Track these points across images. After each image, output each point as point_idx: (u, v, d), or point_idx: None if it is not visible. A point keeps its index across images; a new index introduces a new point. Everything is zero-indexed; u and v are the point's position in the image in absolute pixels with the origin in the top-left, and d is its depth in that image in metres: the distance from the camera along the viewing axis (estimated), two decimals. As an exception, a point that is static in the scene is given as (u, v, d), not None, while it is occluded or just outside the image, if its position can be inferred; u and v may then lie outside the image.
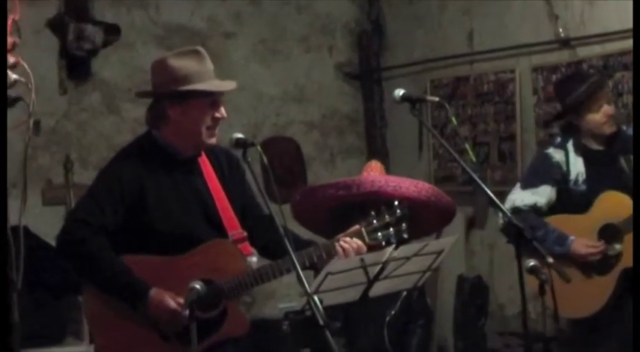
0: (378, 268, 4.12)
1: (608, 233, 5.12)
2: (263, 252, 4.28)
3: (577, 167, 5.27)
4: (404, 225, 4.22)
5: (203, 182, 4.22)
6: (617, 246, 5.08)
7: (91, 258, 4.00)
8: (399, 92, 4.17)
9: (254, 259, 4.17)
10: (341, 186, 4.93)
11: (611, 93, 5.86)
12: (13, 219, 3.58)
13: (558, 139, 5.44)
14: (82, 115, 7.52)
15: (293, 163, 8.25)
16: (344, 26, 8.55)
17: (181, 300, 3.92)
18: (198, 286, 3.72)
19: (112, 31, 7.46)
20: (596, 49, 6.52)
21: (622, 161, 5.20)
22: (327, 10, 8.46)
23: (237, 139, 3.91)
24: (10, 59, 3.50)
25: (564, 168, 5.28)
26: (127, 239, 4.07)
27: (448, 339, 7.50)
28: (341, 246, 4.15)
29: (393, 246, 4.13)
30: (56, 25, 7.31)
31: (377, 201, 4.45)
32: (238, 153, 3.98)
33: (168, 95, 4.12)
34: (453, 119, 7.27)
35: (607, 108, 5.20)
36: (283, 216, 3.79)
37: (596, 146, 5.30)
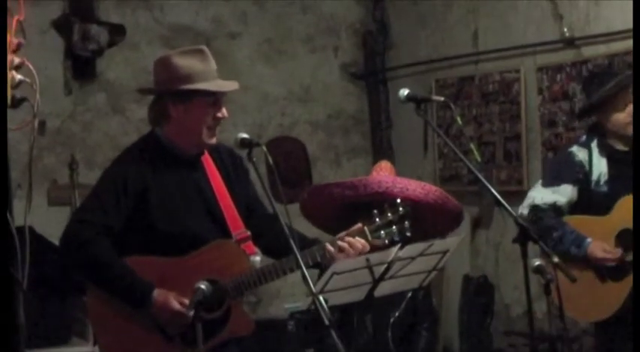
0: (383, 268, 4.12)
1: (627, 238, 5.00)
2: (267, 251, 4.28)
3: (600, 167, 5.17)
4: (407, 223, 4.21)
5: (207, 181, 4.22)
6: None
7: (94, 259, 4.01)
8: (404, 92, 4.16)
9: (257, 258, 4.17)
10: (348, 186, 4.93)
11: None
12: (18, 219, 3.58)
13: (583, 138, 5.33)
14: (87, 116, 7.53)
15: (298, 163, 8.25)
16: (349, 26, 8.55)
17: (185, 300, 3.93)
18: (203, 286, 3.73)
19: (117, 32, 7.47)
20: (601, 49, 6.52)
21: None
22: (332, 11, 8.46)
23: (243, 139, 3.91)
24: (15, 60, 3.50)
25: (587, 167, 5.19)
26: (131, 239, 4.07)
27: (454, 339, 7.50)
28: (340, 246, 4.14)
29: (399, 245, 4.13)
30: (61, 26, 7.32)
31: (384, 202, 4.45)
32: (243, 153, 3.98)
33: (171, 93, 4.12)
34: (458, 119, 7.27)
35: (631, 109, 5.07)
36: (288, 215, 3.78)
37: (621, 147, 5.19)
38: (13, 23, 3.48)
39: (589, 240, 5.03)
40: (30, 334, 3.66)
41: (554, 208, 5.19)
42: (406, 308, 5.14)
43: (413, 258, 4.18)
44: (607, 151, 5.18)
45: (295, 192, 6.99)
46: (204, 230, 4.14)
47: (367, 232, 4.19)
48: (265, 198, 3.99)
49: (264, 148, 3.86)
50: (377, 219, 4.21)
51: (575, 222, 5.14)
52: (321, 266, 4.21)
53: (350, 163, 8.52)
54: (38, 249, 3.84)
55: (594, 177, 5.17)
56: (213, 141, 4.19)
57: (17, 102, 3.52)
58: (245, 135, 3.92)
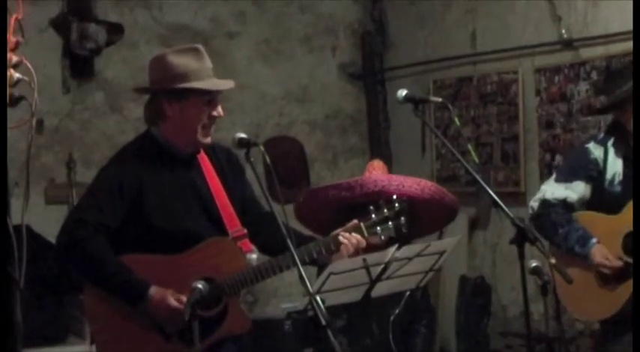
0: (380, 268, 4.13)
1: (632, 240, 4.89)
2: (263, 249, 4.29)
3: (615, 167, 5.04)
4: (402, 218, 4.21)
5: (203, 179, 4.23)
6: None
7: (90, 257, 4.01)
8: (402, 92, 4.15)
9: (254, 256, 4.17)
10: (344, 187, 4.94)
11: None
12: (15, 217, 3.58)
13: (601, 135, 5.20)
14: (85, 114, 7.53)
15: (296, 163, 8.25)
16: (347, 26, 8.55)
17: (183, 297, 3.93)
18: (200, 286, 3.73)
19: (115, 31, 7.47)
20: (599, 51, 6.52)
21: None
22: (330, 11, 8.46)
23: (240, 139, 3.92)
24: (14, 58, 3.50)
25: (601, 165, 5.06)
26: (127, 237, 4.08)
27: (450, 340, 7.50)
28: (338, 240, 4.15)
29: (396, 246, 4.14)
30: (59, 25, 7.32)
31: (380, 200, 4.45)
32: (241, 153, 3.98)
33: (166, 92, 4.13)
34: (456, 120, 7.26)
35: None
36: (286, 215, 3.79)
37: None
38: (11, 22, 3.48)
39: (594, 240, 4.96)
40: (27, 333, 3.65)
41: (565, 204, 5.09)
42: (405, 306, 5.14)
43: (410, 259, 4.18)
44: (624, 151, 5.06)
45: (293, 192, 7.01)
46: (201, 228, 4.14)
47: (363, 228, 4.19)
48: (262, 197, 4.00)
49: (262, 148, 3.87)
50: (373, 215, 4.21)
51: (586, 217, 5.07)
52: (317, 263, 4.22)
53: (347, 163, 8.52)
54: (35, 247, 3.85)
55: (608, 176, 5.05)
56: (208, 140, 4.19)
57: (15, 101, 3.52)
58: (243, 135, 3.93)
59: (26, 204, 3.54)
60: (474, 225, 7.60)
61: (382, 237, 4.25)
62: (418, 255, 4.19)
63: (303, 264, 3.96)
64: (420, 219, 4.79)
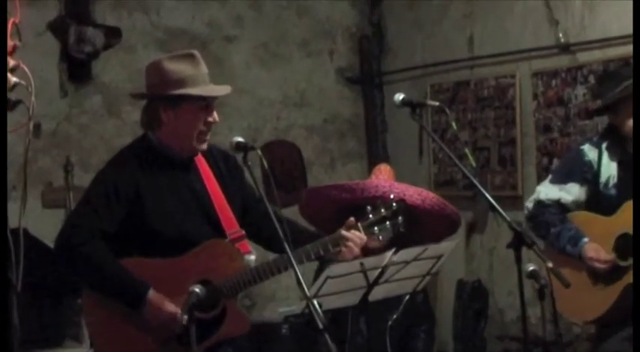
0: (377, 272, 4.13)
1: (625, 242, 4.92)
2: (269, 246, 4.29)
3: (609, 170, 5.05)
4: (400, 218, 4.22)
5: (200, 182, 4.23)
6: (630, 259, 4.86)
7: (88, 260, 4.01)
8: (400, 97, 4.16)
9: (252, 257, 4.17)
10: (345, 189, 4.95)
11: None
12: (13, 221, 3.58)
13: (596, 137, 5.22)
14: (82, 118, 7.52)
15: (293, 167, 8.26)
16: (345, 30, 8.55)
17: (180, 301, 3.92)
18: (197, 290, 3.73)
19: (113, 34, 7.47)
20: (597, 55, 6.52)
21: None
22: (327, 15, 8.47)
23: (238, 143, 3.92)
24: (11, 62, 3.50)
25: (595, 167, 5.08)
26: (125, 241, 4.08)
27: (448, 344, 7.51)
28: (346, 236, 4.15)
29: (393, 250, 4.14)
30: (57, 28, 7.32)
31: (379, 203, 4.45)
32: (239, 156, 3.98)
33: (161, 98, 4.13)
34: (454, 124, 7.27)
35: None
36: (283, 222, 3.79)
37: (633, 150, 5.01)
38: (9, 25, 3.48)
39: (585, 239, 4.98)
40: (24, 336, 3.66)
41: (559, 205, 5.12)
42: (404, 310, 5.14)
43: (407, 263, 4.18)
44: (618, 154, 5.07)
45: (290, 196, 7.01)
46: (199, 230, 4.14)
47: (360, 228, 4.19)
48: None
49: (259, 152, 3.87)
50: (370, 215, 4.22)
51: (581, 218, 5.08)
52: (323, 257, 4.21)
53: (345, 168, 8.52)
54: (32, 251, 3.84)
55: (603, 179, 5.06)
56: (204, 146, 4.19)
57: (13, 105, 3.52)
58: (240, 139, 3.93)
59: (23, 207, 3.54)
60: (471, 228, 7.60)
61: (380, 238, 4.26)
62: (415, 258, 4.19)
63: (301, 263, 3.98)
64: (420, 230, 4.79)
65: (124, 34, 7.54)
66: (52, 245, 4.12)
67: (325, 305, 3.72)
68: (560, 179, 5.16)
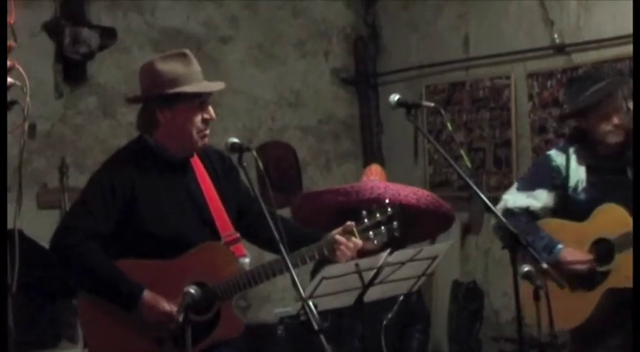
0: (372, 273, 4.13)
1: (601, 248, 4.92)
2: (266, 246, 4.28)
3: (578, 174, 5.04)
4: (395, 223, 4.21)
5: (196, 184, 4.22)
6: (609, 264, 4.87)
7: (82, 262, 4.00)
8: (395, 97, 4.15)
9: (247, 260, 4.17)
10: (340, 192, 4.95)
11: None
12: (8, 222, 3.58)
13: (562, 142, 5.24)
14: (77, 119, 7.52)
15: (289, 168, 8.25)
16: (340, 31, 8.55)
17: (175, 302, 3.92)
18: (192, 290, 3.73)
19: (108, 35, 7.46)
20: (592, 55, 6.53)
21: (629, 173, 4.93)
22: (323, 15, 8.47)
23: (233, 144, 3.92)
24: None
25: (564, 173, 5.05)
26: (120, 243, 4.07)
27: (443, 344, 7.51)
28: (339, 240, 4.15)
29: (388, 251, 4.14)
30: (52, 29, 7.31)
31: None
32: (234, 157, 3.98)
33: (157, 99, 4.13)
34: (449, 125, 7.27)
35: (614, 117, 4.90)
36: (278, 222, 3.78)
37: (604, 153, 5.01)
38: (4, 26, 3.48)
39: (560, 246, 4.94)
40: (19, 338, 3.66)
41: (528, 213, 5.07)
42: (399, 311, 5.15)
43: (402, 264, 4.19)
44: (586, 159, 5.05)
45: (286, 197, 7.01)
46: (194, 232, 4.14)
47: (356, 233, 4.19)
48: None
49: (255, 153, 3.87)
50: (365, 220, 4.22)
51: (553, 225, 5.05)
52: (325, 257, 4.21)
53: (340, 168, 8.52)
54: (27, 252, 3.84)
55: (572, 183, 5.04)
56: (205, 141, 4.18)
57: (8, 105, 3.52)
58: (235, 140, 3.93)
59: (18, 208, 3.55)
60: (466, 230, 7.61)
61: (375, 242, 4.26)
62: (411, 259, 4.19)
63: (298, 266, 3.98)
64: (415, 229, 4.79)
65: (119, 35, 7.53)
66: (47, 246, 4.11)
67: (321, 306, 3.72)
68: (528, 186, 5.11)
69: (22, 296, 3.87)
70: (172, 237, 4.09)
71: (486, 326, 7.30)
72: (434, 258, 4.29)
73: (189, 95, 4.11)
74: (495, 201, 4.18)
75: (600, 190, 4.99)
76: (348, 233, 4.19)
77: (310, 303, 3.50)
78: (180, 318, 3.72)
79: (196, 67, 4.19)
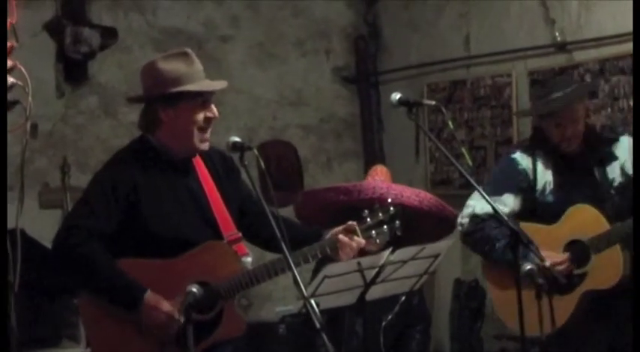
0: (374, 271, 4.13)
1: (575, 250, 4.87)
2: (268, 246, 4.28)
3: (545, 176, 5.00)
4: (397, 222, 4.22)
5: (198, 183, 4.23)
6: (584, 266, 4.84)
7: (85, 262, 4.00)
8: (396, 96, 4.16)
9: (249, 259, 4.18)
10: (342, 191, 4.95)
11: (586, 106, 5.49)
12: (10, 222, 3.58)
13: (526, 144, 5.16)
14: (79, 118, 7.52)
15: (290, 167, 8.25)
16: (341, 30, 8.55)
17: (177, 302, 3.93)
18: (194, 290, 3.73)
19: (109, 35, 7.46)
20: (593, 54, 6.53)
21: (596, 172, 4.94)
22: (324, 14, 8.47)
23: (234, 143, 3.92)
24: (7, 62, 3.51)
25: (531, 176, 5.01)
26: (123, 243, 4.08)
27: (444, 343, 7.51)
28: (341, 240, 4.15)
29: (390, 249, 4.15)
30: (53, 29, 7.31)
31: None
32: (235, 157, 3.98)
33: (160, 98, 4.13)
34: (450, 123, 7.27)
35: (568, 128, 4.88)
36: (279, 222, 3.79)
37: (570, 153, 4.98)
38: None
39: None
40: (21, 337, 3.66)
41: (496, 218, 4.79)
42: (400, 311, 5.15)
43: (404, 262, 4.19)
44: (552, 160, 5.01)
45: (287, 196, 7.00)
46: (196, 232, 4.14)
47: (358, 232, 4.20)
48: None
49: (256, 152, 3.87)
50: (368, 219, 4.22)
51: (525, 229, 4.98)
52: (327, 256, 4.21)
53: (341, 167, 8.52)
54: (29, 251, 3.84)
55: (539, 186, 5.00)
56: (206, 146, 4.19)
57: (10, 105, 3.53)
58: (237, 139, 3.93)
59: (20, 208, 3.55)
60: (468, 228, 7.59)
61: (377, 241, 4.26)
62: (413, 258, 4.20)
63: (300, 266, 3.99)
64: (417, 231, 4.79)
65: (120, 35, 7.54)
66: (49, 245, 4.12)
67: (322, 304, 3.72)
68: (495, 191, 5.00)
69: (24, 296, 3.88)
70: (174, 236, 4.09)
71: (488, 325, 7.29)
72: (436, 256, 4.29)
73: (191, 94, 4.11)
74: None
75: (568, 191, 4.96)
76: (350, 232, 4.20)
77: (312, 302, 3.50)
78: (182, 319, 3.73)
79: (198, 65, 4.20)
